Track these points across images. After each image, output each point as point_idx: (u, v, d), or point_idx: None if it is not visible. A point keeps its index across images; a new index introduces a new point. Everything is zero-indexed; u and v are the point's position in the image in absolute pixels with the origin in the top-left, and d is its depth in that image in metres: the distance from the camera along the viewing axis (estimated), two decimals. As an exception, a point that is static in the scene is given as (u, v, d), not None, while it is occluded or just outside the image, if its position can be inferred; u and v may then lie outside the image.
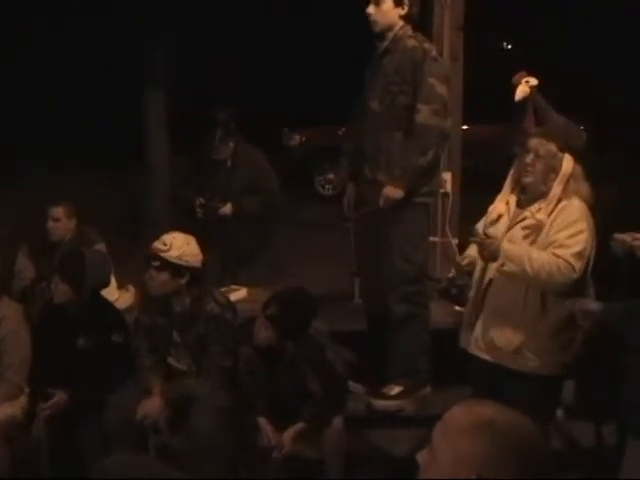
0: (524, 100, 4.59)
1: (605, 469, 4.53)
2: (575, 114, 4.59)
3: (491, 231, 4.30)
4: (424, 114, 5.11)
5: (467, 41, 6.78)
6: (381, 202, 5.22)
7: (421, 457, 1.98)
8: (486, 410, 1.92)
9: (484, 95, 10.02)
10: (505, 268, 4.13)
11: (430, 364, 5.47)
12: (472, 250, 4.47)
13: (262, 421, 4.79)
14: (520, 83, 4.64)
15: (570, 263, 4.06)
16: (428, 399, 5.45)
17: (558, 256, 4.07)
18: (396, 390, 5.44)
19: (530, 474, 1.84)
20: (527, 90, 4.58)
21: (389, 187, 5.20)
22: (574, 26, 14.07)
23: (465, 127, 8.62)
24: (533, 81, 4.60)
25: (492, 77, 5.19)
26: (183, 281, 4.84)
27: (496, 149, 5.29)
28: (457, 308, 5.98)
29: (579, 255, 4.09)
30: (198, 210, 6.49)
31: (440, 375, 5.38)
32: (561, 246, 4.09)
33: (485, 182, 4.51)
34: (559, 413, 5.37)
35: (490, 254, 4.18)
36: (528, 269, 4.07)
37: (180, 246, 4.81)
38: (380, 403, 5.44)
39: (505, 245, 4.16)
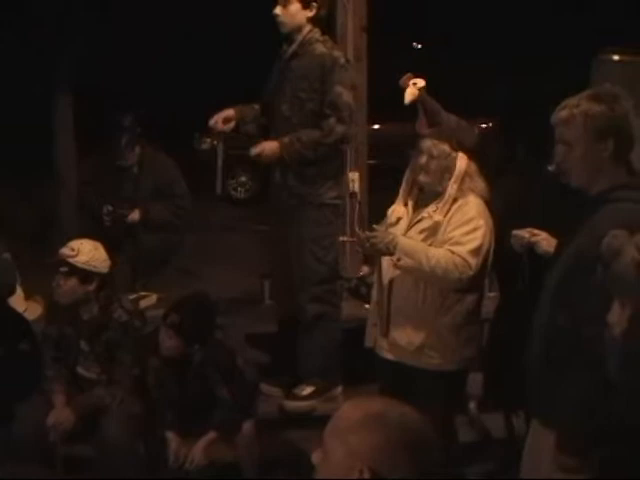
0: (414, 102, 4.59)
1: (517, 459, 4.59)
2: (481, 111, 4.63)
3: (377, 227, 4.30)
4: (329, 121, 5.17)
5: (375, 41, 6.82)
6: (254, 151, 5.24)
7: (315, 457, 1.99)
8: (375, 405, 1.95)
9: (395, 94, 10.10)
10: (401, 263, 4.13)
11: (341, 363, 5.50)
12: None
13: (170, 436, 4.72)
14: (407, 86, 4.63)
15: (466, 260, 4.09)
16: (340, 399, 5.46)
17: (454, 253, 4.09)
18: (307, 390, 5.45)
19: (421, 465, 1.87)
20: (415, 92, 4.58)
21: (271, 142, 5.23)
22: (481, 25, 14.25)
23: (377, 126, 8.66)
24: (420, 82, 4.59)
25: (402, 76, 5.22)
26: (91, 287, 4.80)
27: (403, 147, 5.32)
28: (367, 307, 5.99)
29: (475, 252, 4.11)
30: (105, 218, 6.42)
31: (351, 374, 5.40)
32: (457, 243, 4.11)
33: (396, 181, 4.52)
34: (471, 405, 5.45)
35: (385, 246, 4.14)
36: (425, 264, 4.08)
37: (88, 251, 4.79)
38: (292, 404, 5.46)
39: (402, 240, 4.16)
